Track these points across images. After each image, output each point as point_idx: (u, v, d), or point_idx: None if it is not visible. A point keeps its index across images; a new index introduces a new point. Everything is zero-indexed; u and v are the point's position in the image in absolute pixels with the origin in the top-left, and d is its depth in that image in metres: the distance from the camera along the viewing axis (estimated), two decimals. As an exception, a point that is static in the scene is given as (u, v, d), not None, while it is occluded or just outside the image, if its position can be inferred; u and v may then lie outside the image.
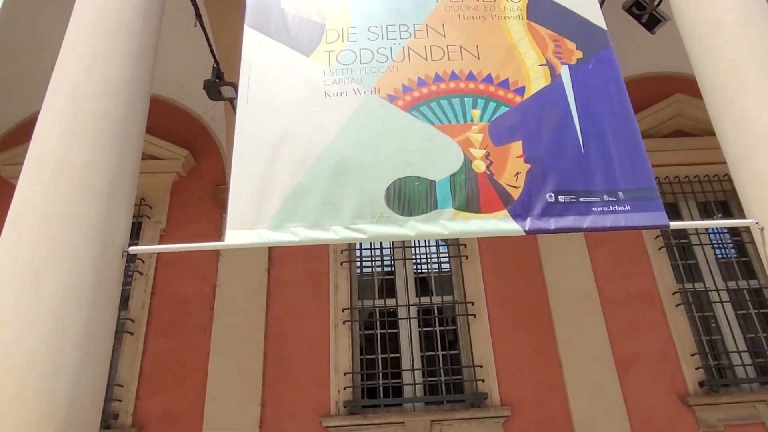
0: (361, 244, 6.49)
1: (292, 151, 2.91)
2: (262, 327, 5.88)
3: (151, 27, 3.29)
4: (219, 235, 6.36)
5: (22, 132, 6.63)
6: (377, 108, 3.01)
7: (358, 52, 3.19)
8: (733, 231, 6.46)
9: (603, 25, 3.32)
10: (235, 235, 2.71)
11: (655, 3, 4.08)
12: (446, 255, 6.58)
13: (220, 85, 5.35)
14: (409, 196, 2.76)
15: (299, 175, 2.84)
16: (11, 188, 6.28)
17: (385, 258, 6.54)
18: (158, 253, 6.18)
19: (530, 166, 2.84)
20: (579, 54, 3.20)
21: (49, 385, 2.19)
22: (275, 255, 6.28)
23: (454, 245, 6.40)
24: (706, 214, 6.60)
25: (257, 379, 5.64)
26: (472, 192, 2.77)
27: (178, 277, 6.14)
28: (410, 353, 5.87)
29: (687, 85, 6.62)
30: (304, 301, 6.09)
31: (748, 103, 2.89)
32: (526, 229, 2.69)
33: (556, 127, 2.95)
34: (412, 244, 6.49)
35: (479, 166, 2.84)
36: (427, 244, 6.53)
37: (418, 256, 6.47)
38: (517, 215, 2.72)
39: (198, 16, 4.80)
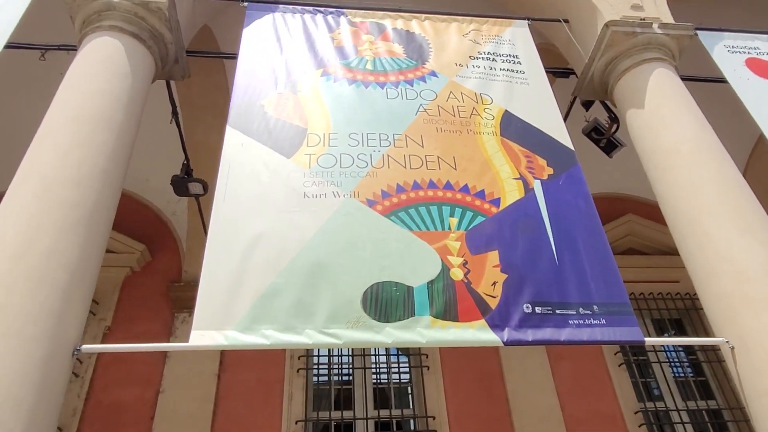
0: (319, 350, 6.23)
1: (266, 250, 2.83)
2: (206, 436, 5.40)
3: (132, 121, 3.29)
4: (168, 335, 6.01)
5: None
6: (355, 211, 3.01)
7: (339, 157, 3.24)
8: (689, 349, 6.58)
9: (570, 146, 3.53)
10: (200, 336, 2.53)
11: (612, 130, 4.40)
12: (406, 365, 6.38)
13: (189, 181, 5.30)
14: (386, 302, 2.69)
15: (272, 275, 2.74)
16: None
17: (343, 366, 6.26)
18: (98, 353, 5.73)
19: (507, 275, 2.85)
20: (550, 170, 3.36)
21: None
22: (227, 359, 5.92)
23: (416, 355, 6.22)
24: (660, 331, 6.72)
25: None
26: (450, 300, 2.73)
27: (118, 381, 5.65)
28: (367, 474, 5.46)
29: (638, 206, 7.04)
30: (255, 410, 5.67)
31: (708, 224, 3.05)
32: (504, 340, 2.64)
33: (531, 238, 3.01)
34: (372, 352, 6.28)
35: (457, 273, 2.83)
36: (387, 353, 6.33)
37: (377, 365, 6.23)
38: (495, 325, 2.68)
39: (174, 113, 4.86)
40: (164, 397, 5.58)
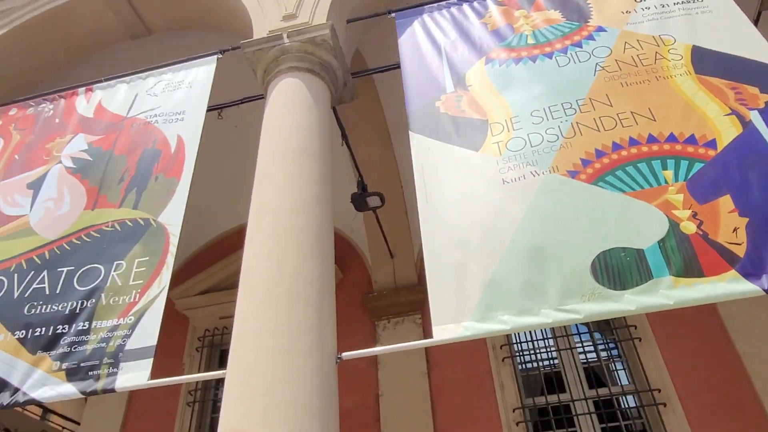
0: (519, 338, 6.19)
1: (480, 240, 2.89)
2: (431, 434, 5.62)
3: (325, 148, 3.57)
4: (374, 343, 6.36)
5: (193, 265, 7.29)
6: (559, 186, 2.96)
7: (527, 137, 3.22)
8: None
9: (780, 63, 3.13)
10: (442, 331, 2.66)
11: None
12: (613, 340, 6.07)
13: (367, 195, 5.61)
14: (618, 269, 2.60)
15: (493, 264, 2.79)
16: (185, 321, 6.65)
17: (548, 350, 6.14)
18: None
19: (747, 219, 2.60)
20: (765, 97, 3.01)
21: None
22: (433, 358, 6.13)
23: (622, 328, 5.90)
24: None
25: (435, 495, 5.29)
26: (689, 255, 2.55)
27: (340, 390, 6.11)
28: (596, 454, 5.28)
29: None
30: (470, 403, 5.79)
31: None
32: (766, 287, 2.40)
33: (765, 173, 2.71)
34: (574, 331, 6.09)
35: (688, 227, 2.64)
36: (589, 330, 6.10)
37: (582, 344, 6.02)
38: (749, 274, 2.45)
39: (344, 136, 5.19)
40: (384, 401, 5.92)
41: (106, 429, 6.40)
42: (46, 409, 9.91)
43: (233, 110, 5.09)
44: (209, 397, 6.55)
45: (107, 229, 3.60)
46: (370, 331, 6.50)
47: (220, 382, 6.64)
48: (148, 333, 3.04)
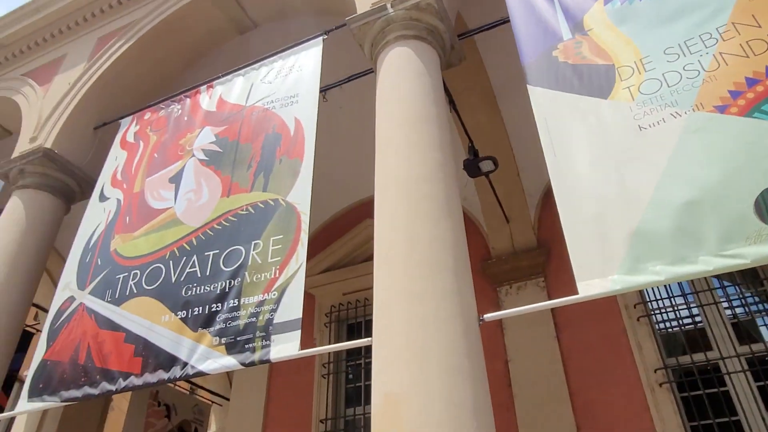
0: (654, 293, 5.83)
1: (620, 192, 2.73)
2: (566, 400, 5.49)
3: (443, 113, 3.53)
4: (498, 308, 6.29)
5: (313, 245, 7.60)
6: (706, 123, 2.70)
7: (662, 77, 2.97)
8: None
9: None
10: (587, 287, 2.56)
11: None
12: (763, 292, 5.54)
13: (479, 161, 5.51)
14: (788, 207, 2.34)
15: (637, 215, 2.62)
16: (311, 298, 6.78)
17: (683, 306, 5.74)
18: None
19: None
20: None
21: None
22: (560, 321, 5.96)
23: (774, 278, 5.37)
24: None
25: (577, 458, 5.19)
26: None
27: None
28: (752, 415, 4.88)
29: None
30: (606, 365, 5.57)
31: None
32: None
33: None
34: (716, 285, 5.63)
35: None
36: (734, 283, 5.60)
37: (727, 298, 5.55)
38: None
39: (451, 102, 5.10)
40: (514, 366, 5.86)
41: (254, 401, 6.93)
42: (194, 385, 10.90)
43: (335, 92, 5.19)
44: (341, 369, 6.86)
45: (242, 212, 3.83)
46: (492, 297, 6.44)
47: (350, 355, 6.93)
48: (292, 306, 3.21)
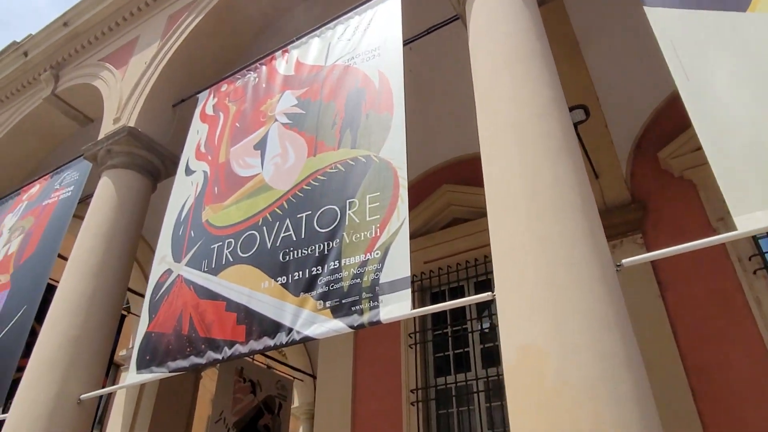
0: (773, 244, 5.31)
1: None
2: (677, 359, 5.10)
3: (546, 49, 3.23)
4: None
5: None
6: None
7: (814, -25, 2.55)
8: None
9: None
10: (747, 221, 2.23)
11: None
12: None
13: (570, 109, 5.12)
14: None
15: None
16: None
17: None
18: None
19: None
20: None
21: (611, 408, 1.96)
22: (666, 277, 5.53)
23: None
24: None
25: (694, 424, 4.81)
26: None
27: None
28: None
29: None
30: (718, 323, 5.13)
31: None
32: None
33: None
34: None
35: None
36: None
37: None
38: None
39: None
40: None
41: (341, 373, 6.90)
42: (274, 360, 11.08)
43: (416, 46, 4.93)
44: (428, 338, 6.70)
45: (331, 171, 3.68)
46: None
47: (436, 324, 6.76)
48: (399, 265, 3.03)
